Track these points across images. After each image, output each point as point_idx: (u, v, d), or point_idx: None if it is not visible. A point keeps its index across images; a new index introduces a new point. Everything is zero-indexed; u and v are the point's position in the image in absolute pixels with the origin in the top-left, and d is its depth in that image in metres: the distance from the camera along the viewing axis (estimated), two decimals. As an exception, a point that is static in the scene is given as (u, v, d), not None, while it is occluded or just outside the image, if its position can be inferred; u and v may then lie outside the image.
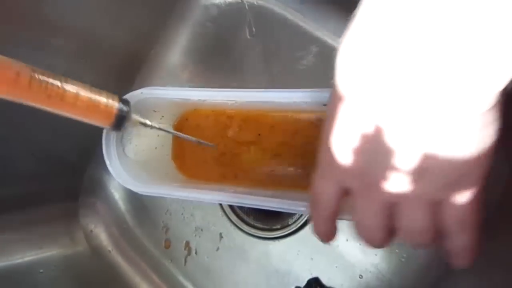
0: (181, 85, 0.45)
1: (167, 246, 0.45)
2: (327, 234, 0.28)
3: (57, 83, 0.26)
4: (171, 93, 0.35)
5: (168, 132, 0.35)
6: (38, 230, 0.44)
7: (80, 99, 0.27)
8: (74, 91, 0.27)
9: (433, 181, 0.21)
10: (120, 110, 0.29)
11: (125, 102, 0.30)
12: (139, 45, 0.45)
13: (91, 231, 0.48)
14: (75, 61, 0.39)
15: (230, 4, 0.45)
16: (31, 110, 0.39)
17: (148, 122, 0.32)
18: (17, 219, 0.42)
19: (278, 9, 0.43)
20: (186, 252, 0.44)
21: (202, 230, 0.44)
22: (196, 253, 0.44)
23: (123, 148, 0.36)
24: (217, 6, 0.45)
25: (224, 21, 0.45)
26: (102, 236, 0.48)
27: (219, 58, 0.45)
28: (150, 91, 0.34)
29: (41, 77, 0.25)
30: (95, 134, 0.39)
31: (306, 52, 0.41)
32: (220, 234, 0.43)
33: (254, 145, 0.39)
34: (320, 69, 0.41)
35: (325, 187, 0.26)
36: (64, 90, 0.26)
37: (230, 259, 0.43)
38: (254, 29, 0.44)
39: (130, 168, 0.35)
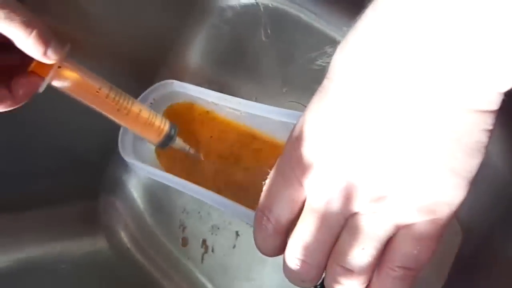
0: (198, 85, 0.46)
1: (184, 244, 0.46)
2: (274, 250, 0.24)
3: (126, 101, 0.32)
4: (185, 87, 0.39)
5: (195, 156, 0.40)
6: (60, 226, 0.45)
7: (141, 117, 0.34)
8: (137, 110, 0.33)
9: (410, 200, 0.19)
10: (169, 132, 0.35)
11: (173, 126, 0.36)
12: (158, 47, 0.46)
13: (110, 228, 0.49)
14: (95, 63, 0.40)
15: (245, 6, 0.45)
16: (54, 112, 0.40)
17: (186, 148, 0.39)
18: (39, 216, 0.44)
19: (293, 10, 0.43)
20: (203, 250, 0.45)
21: (218, 228, 0.45)
22: (213, 251, 0.45)
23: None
24: (232, 8, 0.46)
25: (239, 23, 0.46)
26: (121, 233, 0.49)
27: (234, 59, 0.46)
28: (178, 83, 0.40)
29: (115, 94, 0.32)
30: (115, 135, 0.40)
31: (320, 53, 0.42)
32: (237, 232, 0.44)
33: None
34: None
35: (282, 187, 0.22)
36: (130, 108, 0.33)
37: (246, 257, 0.43)
38: (269, 31, 0.44)
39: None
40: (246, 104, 0.37)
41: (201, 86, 0.39)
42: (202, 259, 0.45)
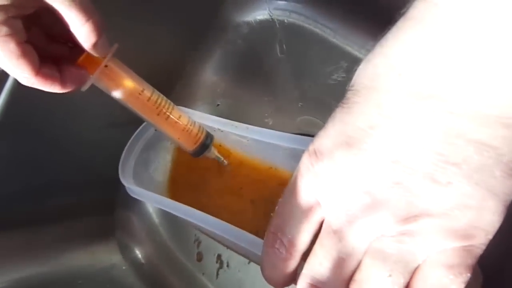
0: (213, 101, 0.47)
1: (199, 259, 0.46)
2: (284, 279, 0.21)
3: (166, 106, 0.32)
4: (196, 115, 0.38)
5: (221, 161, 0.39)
6: (76, 241, 0.46)
7: (179, 123, 0.33)
8: (177, 116, 0.33)
9: (444, 222, 0.17)
10: (204, 141, 0.35)
11: (210, 136, 0.35)
12: (175, 63, 0.47)
13: (126, 243, 0.49)
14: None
15: (261, 22, 0.46)
16: (73, 129, 0.41)
17: (220, 157, 0.38)
18: (57, 230, 0.44)
19: (308, 25, 0.43)
20: (218, 265, 0.45)
21: (233, 243, 0.44)
22: (228, 266, 0.44)
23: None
24: (248, 24, 0.46)
25: (255, 38, 0.46)
26: (136, 249, 0.49)
27: (250, 74, 0.46)
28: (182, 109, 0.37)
29: (157, 98, 0.32)
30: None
31: (336, 67, 0.42)
32: (252, 247, 0.44)
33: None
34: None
35: (298, 206, 0.20)
36: (170, 113, 0.33)
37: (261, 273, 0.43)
38: (284, 46, 0.44)
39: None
40: (254, 130, 0.35)
41: (217, 100, 0.39)
42: (217, 274, 0.45)
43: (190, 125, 0.34)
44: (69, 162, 0.43)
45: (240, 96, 0.46)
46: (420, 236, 0.17)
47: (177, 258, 0.47)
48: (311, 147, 0.20)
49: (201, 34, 0.47)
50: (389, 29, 0.19)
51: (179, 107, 0.36)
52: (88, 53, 0.27)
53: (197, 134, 0.34)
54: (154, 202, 0.35)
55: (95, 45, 0.25)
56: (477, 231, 0.17)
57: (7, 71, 0.24)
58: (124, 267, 0.48)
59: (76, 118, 0.41)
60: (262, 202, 0.38)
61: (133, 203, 0.50)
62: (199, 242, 0.46)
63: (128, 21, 0.39)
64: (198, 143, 0.34)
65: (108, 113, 0.43)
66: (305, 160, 0.20)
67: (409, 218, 0.17)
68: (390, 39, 0.18)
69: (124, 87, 0.30)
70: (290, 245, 0.20)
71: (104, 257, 0.48)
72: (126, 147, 0.38)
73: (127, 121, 0.39)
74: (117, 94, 0.31)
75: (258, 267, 0.42)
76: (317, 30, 0.43)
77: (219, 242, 0.44)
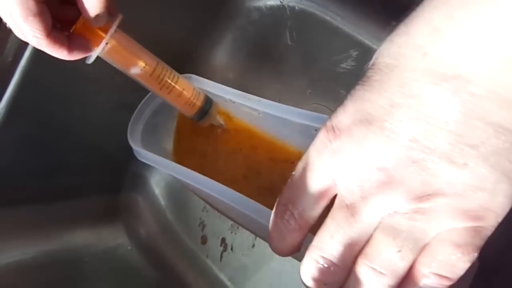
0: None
1: (204, 242, 0.47)
2: (291, 249, 0.22)
3: (170, 79, 0.33)
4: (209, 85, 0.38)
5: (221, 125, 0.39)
6: (83, 220, 0.47)
7: (181, 97, 0.34)
8: (180, 90, 0.34)
9: (457, 202, 0.17)
10: (203, 106, 0.36)
11: (209, 101, 0.37)
12: (184, 46, 0.47)
13: (131, 224, 0.50)
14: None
15: (271, 8, 0.46)
16: (83, 112, 0.41)
17: (221, 122, 0.39)
18: (64, 208, 0.45)
19: (319, 13, 0.43)
20: (222, 248, 0.45)
21: (238, 227, 0.45)
22: (232, 249, 0.45)
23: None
24: (259, 9, 0.46)
25: (265, 24, 0.46)
26: (141, 230, 0.50)
27: (259, 60, 0.46)
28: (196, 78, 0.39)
29: (160, 71, 0.33)
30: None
31: (346, 56, 0.42)
32: (256, 232, 0.44)
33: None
34: (360, 73, 0.41)
35: (311, 180, 0.20)
36: (173, 87, 0.34)
37: (265, 257, 0.43)
38: (294, 33, 0.44)
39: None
40: (266, 104, 0.35)
41: (225, 85, 0.39)
42: (221, 257, 0.45)
43: (194, 99, 0.35)
44: (78, 144, 0.44)
45: (248, 82, 0.46)
46: (432, 215, 0.18)
47: (181, 240, 0.48)
48: (328, 123, 0.20)
49: (212, 19, 0.47)
50: (411, 10, 0.19)
51: (190, 75, 0.37)
52: (88, 23, 0.27)
53: (199, 106, 0.36)
54: (161, 166, 0.35)
55: (97, 15, 0.26)
56: (488, 213, 0.17)
57: (19, 30, 0.25)
58: (129, 248, 0.49)
59: (86, 102, 0.41)
60: (267, 177, 0.38)
61: (139, 185, 0.50)
62: (204, 225, 0.47)
63: (139, 4, 0.39)
64: (196, 109, 0.36)
65: (118, 97, 0.43)
66: (322, 136, 0.20)
67: (422, 197, 0.18)
68: (415, 19, 0.18)
69: (128, 61, 0.31)
70: (300, 218, 0.21)
71: (110, 237, 0.48)
72: (136, 111, 0.39)
73: (136, 105, 0.39)
74: (120, 67, 0.31)
75: (262, 251, 0.43)
76: (328, 18, 0.43)
77: (222, 213, 0.44)
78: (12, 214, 0.39)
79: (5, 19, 0.25)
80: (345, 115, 0.19)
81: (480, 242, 0.18)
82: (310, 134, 0.32)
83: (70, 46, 0.27)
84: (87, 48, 0.28)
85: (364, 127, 0.18)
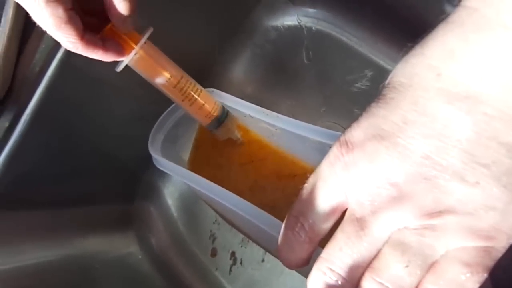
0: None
1: (213, 255, 0.47)
2: (300, 262, 0.22)
3: (193, 92, 0.35)
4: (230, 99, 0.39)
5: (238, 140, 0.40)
6: (96, 227, 0.47)
7: (201, 110, 0.36)
8: (201, 104, 0.36)
9: (468, 220, 0.17)
10: (219, 116, 0.37)
11: (224, 111, 0.38)
12: (205, 60, 0.48)
13: (143, 234, 0.50)
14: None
15: (289, 27, 0.47)
16: (101, 121, 0.42)
17: (239, 137, 0.40)
18: (78, 214, 0.45)
19: (335, 33, 0.44)
20: (231, 261, 0.46)
21: (248, 241, 0.45)
22: (241, 263, 0.45)
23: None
24: (277, 29, 0.47)
25: (282, 43, 0.47)
26: (153, 239, 0.50)
27: (275, 78, 0.47)
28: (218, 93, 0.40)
29: (184, 84, 0.34)
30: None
31: (361, 76, 0.42)
32: (266, 246, 0.44)
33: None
34: (374, 93, 0.41)
35: (322, 193, 0.20)
36: (195, 100, 0.35)
37: (274, 271, 0.43)
38: (310, 53, 0.45)
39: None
40: (284, 120, 0.35)
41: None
42: (230, 270, 0.45)
43: (214, 112, 0.36)
44: (95, 153, 0.44)
45: (264, 97, 0.47)
46: (442, 232, 0.18)
47: (191, 251, 0.48)
48: (342, 138, 0.20)
49: (231, 36, 0.49)
50: (427, 32, 0.19)
51: (212, 90, 0.38)
52: (115, 29, 0.29)
53: (215, 115, 0.37)
54: (177, 174, 0.36)
55: (125, 19, 0.27)
56: (499, 234, 0.17)
57: (54, 37, 0.26)
58: (140, 256, 0.49)
59: (105, 112, 0.42)
60: (271, 193, 0.38)
61: (152, 195, 0.51)
62: (215, 238, 0.47)
63: (164, 21, 0.41)
64: (212, 118, 0.37)
65: (137, 109, 0.44)
66: (335, 150, 0.20)
67: (433, 214, 0.18)
68: (430, 41, 0.19)
69: (154, 71, 0.32)
70: (310, 230, 0.21)
71: (121, 245, 0.49)
72: (158, 120, 0.40)
73: (153, 117, 0.40)
74: (146, 76, 0.33)
75: (271, 266, 0.43)
76: (344, 39, 0.44)
77: (234, 225, 0.44)
78: (30, 219, 0.40)
79: (44, 28, 0.26)
80: (359, 130, 0.20)
81: (490, 262, 0.18)
82: (326, 153, 0.32)
83: (105, 47, 0.28)
84: (121, 51, 0.30)
85: (377, 142, 0.19)
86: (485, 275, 0.18)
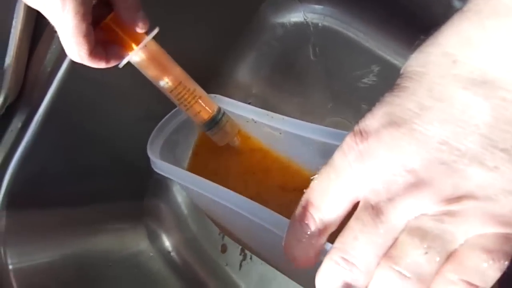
0: (244, 99, 0.48)
1: (223, 251, 0.47)
2: (307, 256, 0.21)
3: (190, 98, 0.35)
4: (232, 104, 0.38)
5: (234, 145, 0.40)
6: (108, 225, 0.48)
7: (199, 116, 0.36)
8: (197, 110, 0.35)
9: (489, 206, 0.17)
10: (214, 116, 0.36)
11: (220, 112, 0.37)
12: (210, 59, 0.48)
13: (153, 231, 0.51)
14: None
15: (295, 24, 0.47)
16: (113, 120, 0.43)
17: (237, 143, 0.39)
18: (90, 213, 0.46)
19: (342, 29, 0.44)
20: (241, 257, 0.46)
21: (257, 237, 0.45)
22: (251, 259, 0.46)
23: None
24: (283, 26, 0.47)
25: (289, 40, 0.47)
26: (163, 236, 0.51)
27: (282, 74, 0.47)
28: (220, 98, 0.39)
29: (182, 89, 0.34)
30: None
31: (367, 71, 0.42)
32: (275, 242, 0.44)
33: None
34: (381, 88, 0.41)
35: (335, 183, 0.20)
36: (191, 105, 0.35)
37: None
38: (317, 49, 0.45)
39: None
40: (289, 122, 0.34)
41: (248, 99, 0.40)
42: (240, 265, 0.46)
43: (209, 119, 0.36)
44: (105, 151, 0.45)
45: (270, 96, 0.47)
46: (462, 218, 0.17)
47: (202, 248, 0.49)
48: (356, 128, 0.20)
49: (237, 34, 0.49)
50: (439, 25, 0.19)
51: (215, 95, 0.38)
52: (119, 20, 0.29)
53: (211, 113, 0.36)
54: (177, 178, 0.36)
55: (136, 21, 0.28)
56: None
57: (65, 45, 0.27)
58: (151, 254, 0.50)
59: (115, 112, 0.43)
60: (274, 208, 0.36)
61: (162, 193, 0.51)
62: (224, 235, 0.47)
63: (169, 21, 0.41)
64: (208, 118, 0.36)
65: (144, 109, 0.45)
66: (348, 139, 0.20)
67: (452, 199, 0.17)
68: (445, 31, 0.19)
69: (153, 72, 0.33)
70: (320, 222, 0.20)
71: (133, 242, 0.50)
72: (158, 125, 0.40)
73: (161, 116, 0.41)
74: (148, 76, 0.33)
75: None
76: (350, 34, 0.44)
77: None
78: (43, 217, 0.41)
79: (60, 35, 0.26)
80: (373, 119, 0.19)
81: (510, 250, 0.17)
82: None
83: (107, 56, 0.29)
84: (121, 56, 0.30)
85: (393, 129, 0.18)
86: (507, 264, 0.17)
